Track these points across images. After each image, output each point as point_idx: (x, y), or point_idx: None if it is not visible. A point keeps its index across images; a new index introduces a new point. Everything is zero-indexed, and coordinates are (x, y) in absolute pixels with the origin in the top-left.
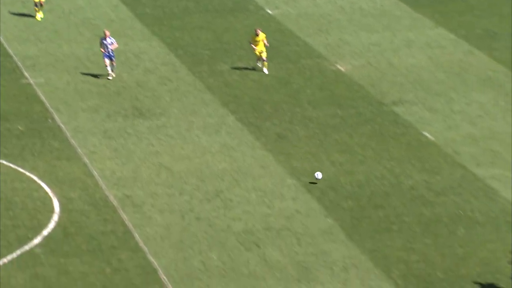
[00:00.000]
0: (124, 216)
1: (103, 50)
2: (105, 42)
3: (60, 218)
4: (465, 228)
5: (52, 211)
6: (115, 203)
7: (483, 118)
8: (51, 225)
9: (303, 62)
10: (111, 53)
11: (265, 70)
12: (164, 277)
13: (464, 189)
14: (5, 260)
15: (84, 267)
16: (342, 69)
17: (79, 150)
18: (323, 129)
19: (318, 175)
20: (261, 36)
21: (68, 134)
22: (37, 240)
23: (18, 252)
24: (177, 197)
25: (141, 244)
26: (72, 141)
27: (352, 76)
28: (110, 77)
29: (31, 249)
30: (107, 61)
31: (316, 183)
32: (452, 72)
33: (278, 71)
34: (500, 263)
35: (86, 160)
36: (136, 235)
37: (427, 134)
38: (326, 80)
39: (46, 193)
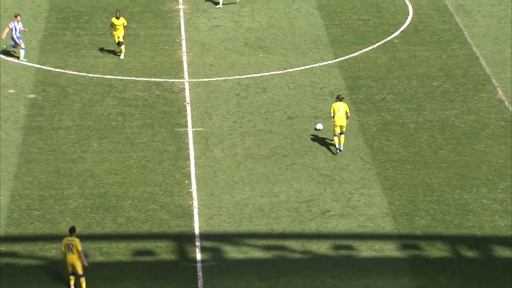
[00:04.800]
0: (457, 19)
1: None
2: None
3: (412, 18)
4: None
5: (407, 13)
6: (452, 9)
7: None
8: (406, 23)
9: None
10: None
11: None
12: (484, 62)
13: None
14: (374, 46)
15: (427, 53)
16: None
17: None
18: None
19: (319, 126)
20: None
21: None
22: (396, 34)
23: (382, 41)
24: (496, 6)
25: (468, 39)
26: None
27: None
28: None
29: (391, 40)
30: None
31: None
32: None
33: None
34: None
35: None
36: (465, 32)
37: None
38: None
39: (404, 1)
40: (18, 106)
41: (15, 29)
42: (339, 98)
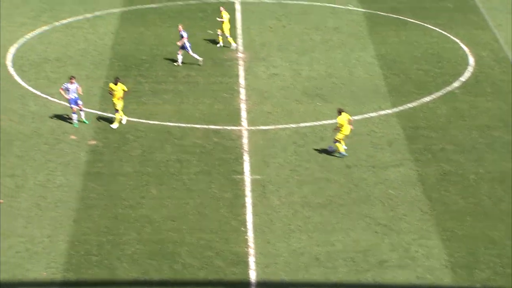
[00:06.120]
0: None
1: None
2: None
3: (473, 69)
4: None
5: (468, 64)
6: None
7: None
8: (467, 74)
9: None
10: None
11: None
12: None
13: None
14: (434, 96)
15: (488, 104)
16: None
17: (490, 23)
18: None
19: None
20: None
21: (483, 11)
22: (456, 84)
23: (443, 91)
24: None
25: None
26: (486, 16)
27: None
28: None
29: (452, 90)
30: None
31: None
32: None
33: None
34: None
35: (495, 30)
36: None
37: None
38: None
39: (465, 51)
40: (79, 152)
41: (68, 90)
42: (343, 111)
